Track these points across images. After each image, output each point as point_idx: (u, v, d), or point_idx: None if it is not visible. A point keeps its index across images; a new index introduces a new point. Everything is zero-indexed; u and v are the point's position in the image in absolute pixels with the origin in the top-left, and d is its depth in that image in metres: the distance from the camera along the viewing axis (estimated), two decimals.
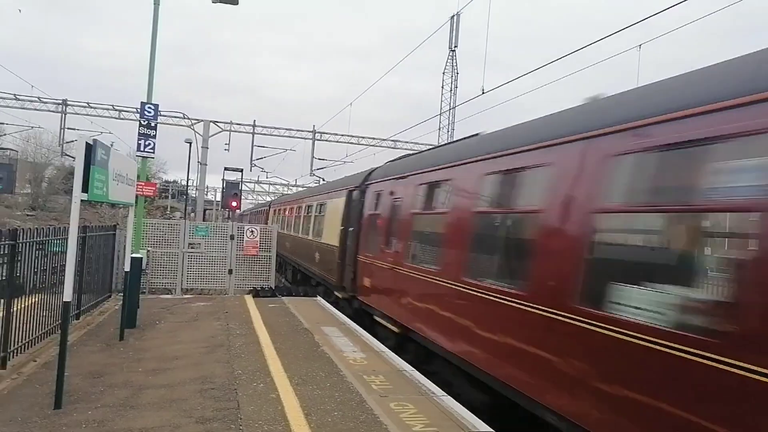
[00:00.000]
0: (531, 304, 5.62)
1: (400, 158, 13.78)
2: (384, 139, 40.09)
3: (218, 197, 55.30)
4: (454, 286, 7.46)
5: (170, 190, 71.79)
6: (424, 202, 9.42)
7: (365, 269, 11.96)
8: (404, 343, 9.69)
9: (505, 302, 6.10)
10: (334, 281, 14.30)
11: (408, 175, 10.25)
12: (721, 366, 3.57)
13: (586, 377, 4.77)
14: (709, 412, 3.66)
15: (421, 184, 9.54)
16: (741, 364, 3.46)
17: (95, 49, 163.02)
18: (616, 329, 4.43)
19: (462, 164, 8.02)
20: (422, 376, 8.15)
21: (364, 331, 11.28)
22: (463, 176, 7.85)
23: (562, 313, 5.11)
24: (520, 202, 6.61)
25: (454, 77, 47.77)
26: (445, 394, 7.33)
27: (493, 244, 7.19)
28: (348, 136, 39.27)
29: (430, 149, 12.37)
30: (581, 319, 4.84)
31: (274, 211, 30.57)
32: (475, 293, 6.86)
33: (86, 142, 6.45)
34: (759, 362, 3.35)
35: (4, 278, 7.43)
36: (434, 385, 7.64)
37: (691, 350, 3.77)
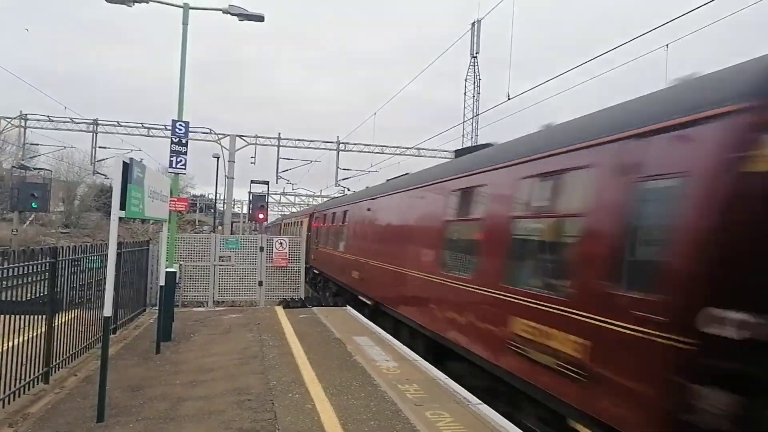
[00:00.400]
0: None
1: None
2: (408, 148, 40.14)
3: (245, 210, 56.01)
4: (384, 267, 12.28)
5: (198, 204, 72.94)
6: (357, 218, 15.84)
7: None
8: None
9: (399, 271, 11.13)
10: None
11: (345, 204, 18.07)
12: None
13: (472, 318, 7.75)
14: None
15: (359, 209, 15.79)
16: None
17: (120, 68, 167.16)
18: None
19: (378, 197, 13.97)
20: (456, 385, 8.12)
21: (396, 341, 11.28)
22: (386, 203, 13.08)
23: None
24: (424, 218, 10.32)
25: (476, 84, 47.69)
26: (481, 402, 7.28)
27: (390, 240, 12.15)
28: (372, 145, 39.41)
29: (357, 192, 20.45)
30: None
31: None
32: (384, 267, 12.25)
33: (123, 162, 6.62)
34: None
35: (44, 295, 7.65)
36: (469, 393, 7.60)
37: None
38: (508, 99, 15.02)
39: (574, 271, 5.46)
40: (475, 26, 46.29)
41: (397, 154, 40.48)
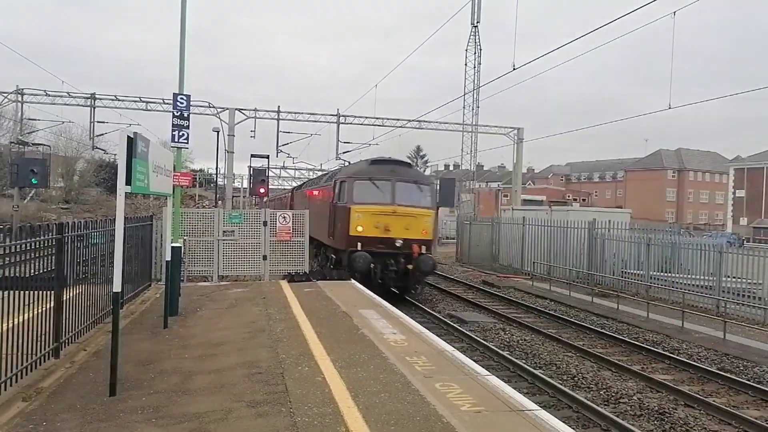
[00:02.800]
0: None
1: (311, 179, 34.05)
2: (409, 120, 39.83)
3: (245, 184, 55.84)
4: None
5: (197, 179, 72.72)
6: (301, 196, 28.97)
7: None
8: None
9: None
10: None
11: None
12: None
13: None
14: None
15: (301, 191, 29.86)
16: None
17: (116, 41, 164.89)
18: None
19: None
20: (464, 356, 8.18)
21: (402, 313, 11.34)
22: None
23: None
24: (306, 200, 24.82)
25: (477, 54, 47.00)
26: (490, 373, 7.34)
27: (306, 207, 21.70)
28: (373, 118, 39.12)
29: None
30: None
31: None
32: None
33: (128, 136, 6.53)
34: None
35: (51, 270, 7.64)
36: (477, 365, 7.66)
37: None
38: (513, 69, 14.80)
39: (326, 224, 18.21)
40: None
41: (398, 127, 40.20)
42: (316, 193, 22.86)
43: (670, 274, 18.27)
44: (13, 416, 5.66)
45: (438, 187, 19.08)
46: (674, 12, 14.67)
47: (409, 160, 31.27)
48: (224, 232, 15.64)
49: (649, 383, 9.93)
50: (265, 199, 38.28)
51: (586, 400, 8.65)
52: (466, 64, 47.76)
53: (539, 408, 6.21)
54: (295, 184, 58.85)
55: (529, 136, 79.71)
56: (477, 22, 46.93)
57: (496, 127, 41.59)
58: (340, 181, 17.85)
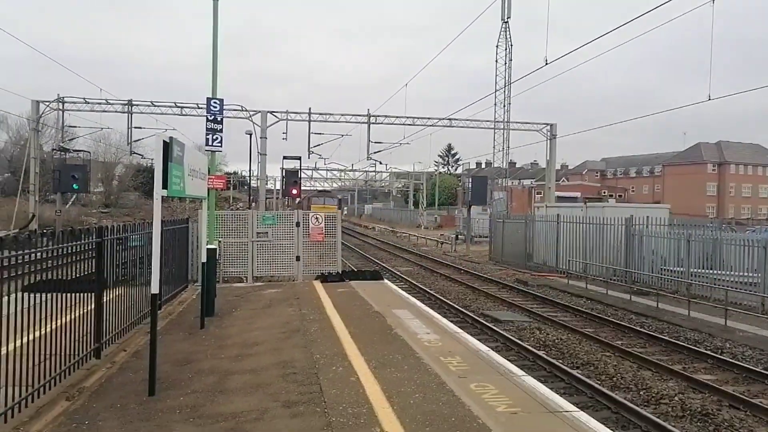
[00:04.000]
0: None
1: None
2: (440, 119, 39.63)
3: (278, 186, 56.47)
4: None
5: (231, 181, 73.87)
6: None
7: None
8: None
9: None
10: None
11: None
12: None
13: None
14: None
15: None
16: None
17: (151, 47, 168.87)
18: None
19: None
20: (499, 356, 8.09)
21: (435, 313, 11.29)
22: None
23: None
24: None
25: (508, 50, 46.49)
26: (525, 373, 7.24)
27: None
28: (403, 117, 39.06)
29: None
30: None
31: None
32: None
33: (164, 141, 6.65)
34: None
35: (92, 273, 7.84)
36: (513, 365, 7.57)
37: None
38: (546, 64, 14.57)
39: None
40: None
41: (428, 126, 40.06)
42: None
43: (711, 271, 17.73)
44: (57, 415, 5.83)
45: (470, 185, 19.47)
46: (713, 0, 14.22)
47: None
48: (258, 233, 15.82)
49: (691, 383, 9.64)
50: (297, 200, 38.72)
51: (625, 401, 8.45)
52: (497, 61, 47.27)
53: (577, 409, 6.09)
54: (326, 186, 60.18)
55: (563, 131, 78.28)
56: (507, 18, 46.43)
57: (528, 123, 41.09)
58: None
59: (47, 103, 35.38)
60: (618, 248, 21.25)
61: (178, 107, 36.45)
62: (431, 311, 11.54)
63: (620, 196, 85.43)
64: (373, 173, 62.32)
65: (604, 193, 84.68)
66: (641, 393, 9.17)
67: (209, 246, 10.98)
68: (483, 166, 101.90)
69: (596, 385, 9.12)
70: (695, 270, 18.18)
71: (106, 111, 36.40)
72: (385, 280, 15.94)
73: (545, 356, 10.91)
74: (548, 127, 40.02)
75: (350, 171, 62.81)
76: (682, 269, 18.62)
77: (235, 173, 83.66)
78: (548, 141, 39.96)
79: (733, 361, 10.87)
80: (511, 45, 46.50)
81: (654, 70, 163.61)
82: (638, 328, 13.60)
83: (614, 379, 9.88)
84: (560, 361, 10.79)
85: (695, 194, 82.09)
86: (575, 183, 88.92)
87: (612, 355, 11.47)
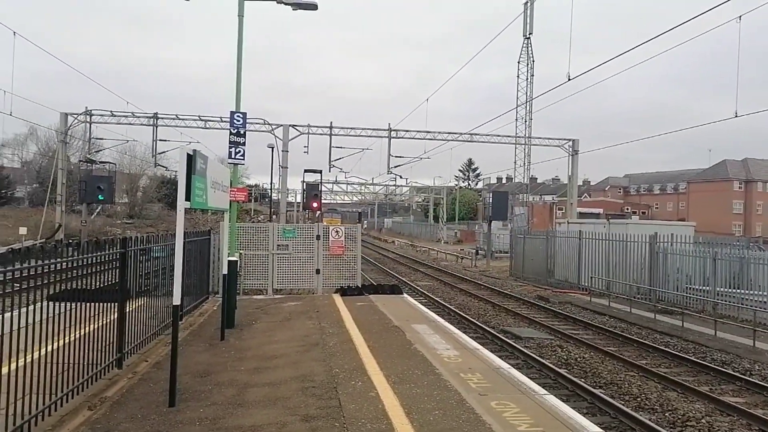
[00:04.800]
0: None
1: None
2: (461, 134, 39.60)
3: (299, 198, 56.86)
4: None
5: (252, 194, 74.54)
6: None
7: None
8: None
9: None
10: None
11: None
12: None
13: None
14: None
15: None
16: None
17: (175, 61, 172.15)
18: None
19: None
20: (520, 374, 7.97)
21: (455, 328, 11.19)
22: None
23: None
24: None
25: (530, 66, 46.42)
26: (547, 392, 7.12)
27: None
28: (424, 131, 39.11)
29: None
30: None
31: None
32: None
33: (188, 153, 6.74)
34: None
35: (115, 283, 7.93)
36: (534, 383, 7.45)
37: None
38: (569, 80, 14.50)
39: None
40: (528, 5, 45.04)
41: (449, 140, 40.03)
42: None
43: (739, 290, 17.32)
44: (79, 424, 5.87)
45: (490, 200, 19.30)
46: (740, 16, 14.05)
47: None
48: (278, 246, 15.90)
49: (718, 406, 9.38)
50: (318, 213, 39.00)
51: (650, 422, 8.25)
52: (518, 76, 47.22)
53: (601, 430, 5.96)
54: (346, 199, 61.05)
55: (585, 147, 77.69)
56: (530, 34, 46.47)
57: (549, 138, 40.84)
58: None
59: (75, 116, 36.17)
60: (642, 266, 20.91)
61: (202, 120, 36.98)
62: (451, 327, 11.44)
63: (644, 213, 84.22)
64: (394, 187, 62.42)
65: (627, 209, 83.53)
66: (667, 414, 8.94)
67: (230, 258, 11.05)
68: (504, 181, 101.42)
69: (620, 406, 8.93)
70: (721, 289, 17.79)
71: (131, 124, 37.08)
72: (405, 295, 15.88)
73: (567, 374, 10.72)
74: (570, 143, 39.73)
75: (370, 185, 63.01)
76: (707, 288, 18.23)
77: (256, 186, 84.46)
78: (570, 157, 39.64)
79: (762, 383, 10.56)
80: (533, 60, 46.42)
81: (679, 85, 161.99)
82: (663, 348, 13.30)
83: (639, 399, 9.65)
84: (582, 379, 10.60)
85: (721, 212, 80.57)
86: (597, 199, 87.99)
87: (636, 374, 11.23)
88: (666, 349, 13.25)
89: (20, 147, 59.60)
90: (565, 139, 40.17)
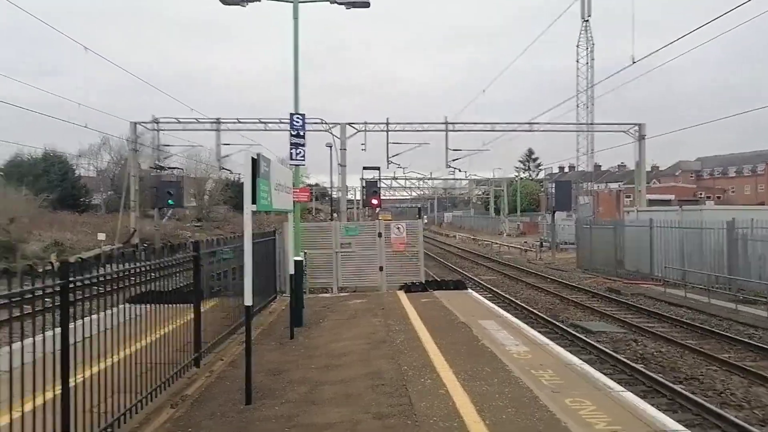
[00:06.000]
0: None
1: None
2: (520, 123, 38.78)
3: (358, 196, 57.40)
4: None
5: (313, 192, 75.77)
6: None
7: None
8: None
9: None
10: None
11: None
12: None
13: None
14: None
15: None
16: None
17: (233, 67, 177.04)
18: None
19: None
20: (594, 370, 7.74)
21: (523, 323, 10.98)
22: None
23: None
24: None
25: (589, 49, 44.95)
26: (624, 389, 6.87)
27: None
28: (482, 123, 38.56)
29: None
30: None
31: None
32: None
33: (252, 157, 6.90)
34: None
35: (190, 284, 8.25)
36: (609, 380, 7.21)
37: None
38: (633, 63, 13.91)
39: None
40: None
41: (508, 131, 39.30)
42: None
43: None
44: (164, 421, 6.14)
45: (553, 190, 18.83)
46: None
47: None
48: (341, 244, 16.09)
49: None
50: (377, 210, 39.17)
51: (737, 419, 7.82)
52: (578, 61, 45.78)
53: (684, 428, 5.71)
54: (405, 195, 60.75)
55: (652, 132, 74.54)
56: (588, 16, 44.92)
57: (613, 124, 39.37)
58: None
59: (144, 124, 37.84)
60: (720, 254, 19.84)
61: (262, 123, 37.85)
62: (518, 322, 11.24)
63: (719, 197, 79.96)
64: (453, 181, 61.93)
65: (701, 195, 79.53)
66: (755, 411, 8.45)
67: (296, 258, 11.26)
68: (566, 170, 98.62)
69: (703, 402, 8.50)
70: None
71: (196, 129, 38.43)
72: (469, 290, 15.73)
73: (644, 370, 10.32)
74: (636, 128, 38.16)
75: (429, 179, 62.78)
76: None
77: (317, 185, 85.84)
78: (637, 142, 38.08)
79: None
80: (593, 44, 44.87)
81: (753, 62, 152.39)
82: (747, 340, 12.58)
83: (723, 395, 9.17)
84: (661, 375, 10.16)
85: None
86: (668, 185, 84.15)
87: (719, 369, 10.68)
88: (750, 341, 12.52)
89: (95, 157, 62.96)
90: (630, 124, 38.62)
